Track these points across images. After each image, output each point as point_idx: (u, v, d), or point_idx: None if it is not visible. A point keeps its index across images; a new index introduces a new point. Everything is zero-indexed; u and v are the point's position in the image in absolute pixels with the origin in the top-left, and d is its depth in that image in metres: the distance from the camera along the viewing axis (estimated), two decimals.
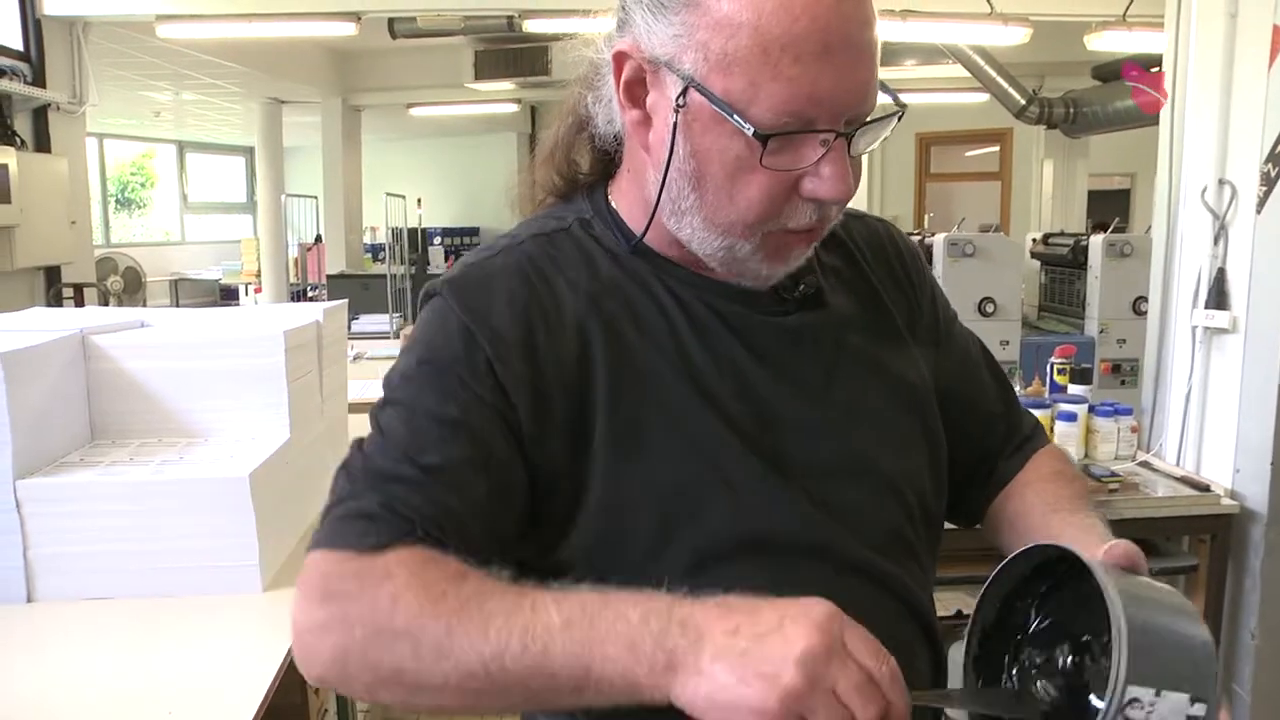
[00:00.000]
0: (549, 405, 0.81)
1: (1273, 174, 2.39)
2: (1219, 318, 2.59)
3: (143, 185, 13.01)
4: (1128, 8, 4.77)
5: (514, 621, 0.69)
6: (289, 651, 1.61)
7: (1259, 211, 2.45)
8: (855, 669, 0.65)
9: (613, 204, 0.92)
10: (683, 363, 0.85)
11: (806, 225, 0.81)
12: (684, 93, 0.77)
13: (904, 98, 0.86)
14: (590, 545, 0.82)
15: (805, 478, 0.85)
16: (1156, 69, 2.92)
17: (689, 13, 0.76)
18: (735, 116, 0.75)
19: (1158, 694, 0.63)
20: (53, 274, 5.11)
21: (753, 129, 0.75)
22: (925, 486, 0.93)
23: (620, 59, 0.82)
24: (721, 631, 0.66)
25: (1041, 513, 0.95)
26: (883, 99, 0.82)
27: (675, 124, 0.79)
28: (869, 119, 0.79)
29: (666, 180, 0.81)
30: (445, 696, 0.71)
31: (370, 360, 4.77)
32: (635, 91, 0.82)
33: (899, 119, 0.82)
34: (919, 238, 5.60)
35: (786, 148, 0.76)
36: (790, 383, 0.87)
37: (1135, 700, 0.63)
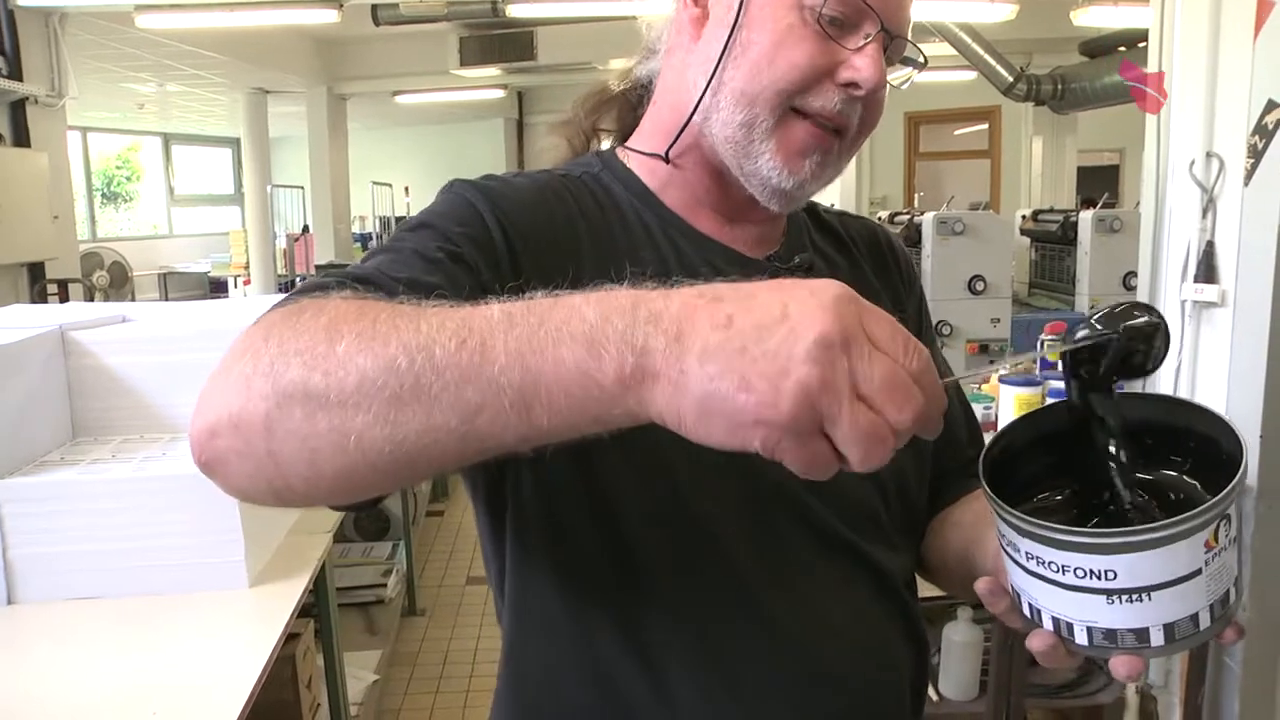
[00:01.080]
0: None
1: (1260, 146, 2.38)
2: (1208, 291, 2.58)
3: (129, 179, 12.93)
4: None
5: (450, 315, 0.57)
6: (277, 645, 1.61)
7: (1246, 184, 2.43)
8: (882, 361, 0.53)
9: (631, 157, 0.95)
10: None
11: (828, 109, 0.83)
12: None
13: (890, 76, 0.89)
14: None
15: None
16: (1144, 44, 2.90)
17: None
18: None
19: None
20: (36, 270, 5.08)
21: None
22: (907, 475, 0.93)
23: None
24: (709, 325, 0.53)
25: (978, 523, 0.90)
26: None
27: (740, 5, 0.84)
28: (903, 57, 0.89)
29: (724, 55, 0.84)
30: (355, 414, 0.56)
31: None
32: None
33: (921, 69, 0.92)
34: (908, 216, 5.58)
35: (837, 29, 0.83)
36: None
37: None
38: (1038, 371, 2.98)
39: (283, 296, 0.68)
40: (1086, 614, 0.63)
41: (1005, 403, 2.72)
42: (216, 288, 11.62)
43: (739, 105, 0.84)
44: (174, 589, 1.71)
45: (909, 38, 0.87)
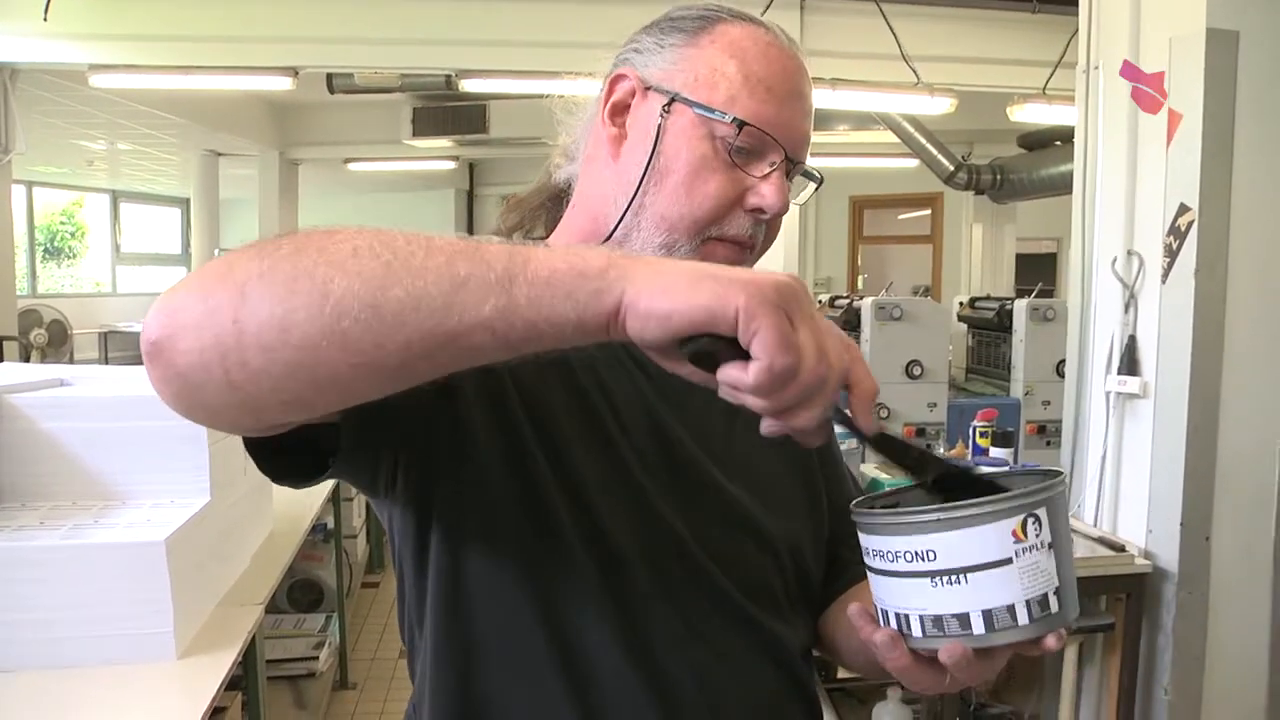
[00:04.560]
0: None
1: (1174, 246, 2.50)
2: (1130, 383, 2.67)
3: (72, 235, 12.77)
4: (1047, 82, 4.96)
5: (435, 236, 0.64)
6: (204, 718, 1.59)
7: (1164, 281, 2.55)
8: (825, 321, 0.64)
9: (565, 231, 1.00)
10: (600, 383, 0.90)
11: (741, 235, 0.91)
12: (670, 103, 0.90)
13: (836, 162, 1.03)
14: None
15: (689, 512, 0.89)
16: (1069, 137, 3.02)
17: (687, 49, 0.92)
18: (717, 112, 0.88)
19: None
20: None
21: (731, 116, 0.88)
22: (804, 550, 0.97)
23: (616, 82, 0.95)
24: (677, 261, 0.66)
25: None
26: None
27: (660, 126, 0.90)
28: (803, 172, 0.97)
29: (643, 179, 0.90)
30: (342, 276, 0.60)
31: None
32: (618, 114, 0.95)
33: (818, 187, 1.00)
34: (848, 300, 5.70)
35: (744, 158, 0.90)
36: (692, 427, 0.93)
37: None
38: (970, 457, 3.05)
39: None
40: (915, 601, 0.71)
41: None
42: None
43: (659, 229, 0.90)
44: (98, 661, 1.68)
45: (806, 162, 0.96)
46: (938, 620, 0.70)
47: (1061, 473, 0.74)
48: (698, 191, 0.89)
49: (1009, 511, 0.68)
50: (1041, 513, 0.69)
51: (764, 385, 0.60)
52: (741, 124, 0.88)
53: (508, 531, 0.83)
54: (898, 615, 0.72)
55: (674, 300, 0.60)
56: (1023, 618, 0.69)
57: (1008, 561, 0.68)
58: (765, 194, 0.90)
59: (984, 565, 0.68)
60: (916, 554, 0.69)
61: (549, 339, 0.62)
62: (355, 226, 0.65)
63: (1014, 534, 0.68)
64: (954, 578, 0.68)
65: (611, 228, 0.92)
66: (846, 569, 1.02)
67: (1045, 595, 0.69)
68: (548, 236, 1.04)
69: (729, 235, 0.91)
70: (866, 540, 0.73)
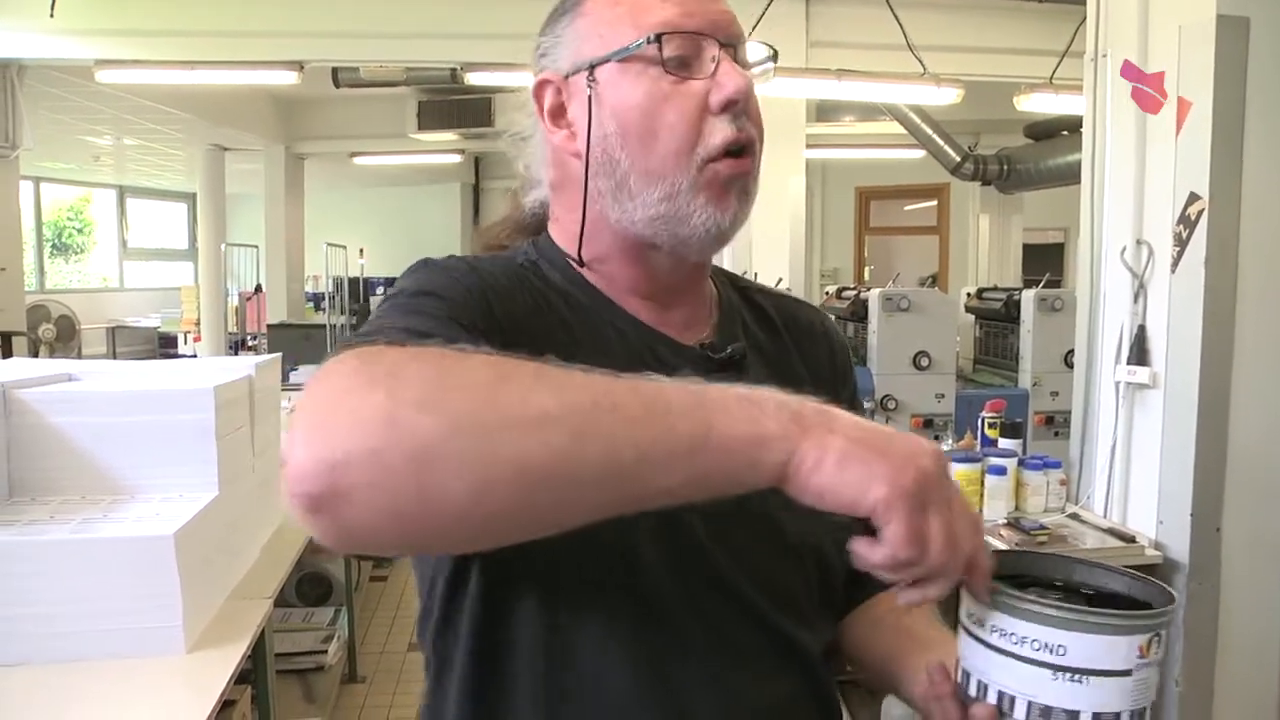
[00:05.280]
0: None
1: (1184, 235, 2.48)
2: (1140, 373, 2.66)
3: (80, 230, 12.81)
4: (1054, 71, 4.94)
5: (621, 378, 0.64)
6: (211, 714, 1.59)
7: (1173, 271, 2.53)
8: (963, 502, 0.68)
9: (554, 240, 0.98)
10: None
11: (729, 139, 0.87)
12: (591, 71, 0.88)
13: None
14: None
15: (714, 517, 0.86)
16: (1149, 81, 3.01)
17: (577, 22, 0.91)
18: (631, 46, 0.86)
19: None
20: None
21: (648, 35, 0.85)
22: (829, 558, 0.94)
23: (541, 88, 0.93)
24: (847, 416, 0.67)
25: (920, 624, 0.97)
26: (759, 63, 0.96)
27: (590, 97, 0.88)
28: (749, 52, 0.92)
29: (605, 149, 0.88)
30: (536, 444, 0.59)
31: None
32: (558, 117, 0.92)
33: (775, 57, 0.95)
34: (855, 292, 5.69)
35: (683, 68, 0.86)
36: None
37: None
38: (978, 448, 3.04)
39: (347, 344, 0.68)
40: (1031, 688, 0.72)
41: None
42: (166, 343, 11.49)
43: (649, 185, 0.88)
44: (107, 655, 1.68)
45: (744, 40, 0.91)
46: (1046, 711, 0.72)
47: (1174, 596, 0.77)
48: (662, 129, 0.86)
49: (1144, 628, 0.71)
50: (1165, 633, 0.72)
51: (886, 567, 0.66)
52: (658, 36, 0.85)
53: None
54: (1001, 693, 0.74)
55: (824, 480, 0.64)
56: None
57: (1128, 673, 0.71)
58: (722, 84, 0.86)
59: (1108, 672, 0.71)
60: (1047, 645, 0.71)
61: (717, 493, 0.65)
62: (513, 362, 0.63)
63: (1140, 649, 0.71)
64: (1077, 677, 0.71)
65: (610, 214, 0.90)
66: (870, 576, 1.01)
67: (1144, 710, 0.72)
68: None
69: (716, 147, 0.87)
70: (991, 616, 0.74)
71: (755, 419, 0.64)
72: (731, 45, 0.88)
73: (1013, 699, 0.73)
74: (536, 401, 0.60)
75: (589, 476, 0.60)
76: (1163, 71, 2.54)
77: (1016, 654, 0.72)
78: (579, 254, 0.94)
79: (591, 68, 0.88)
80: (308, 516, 0.59)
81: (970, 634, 0.76)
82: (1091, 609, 0.71)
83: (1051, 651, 0.71)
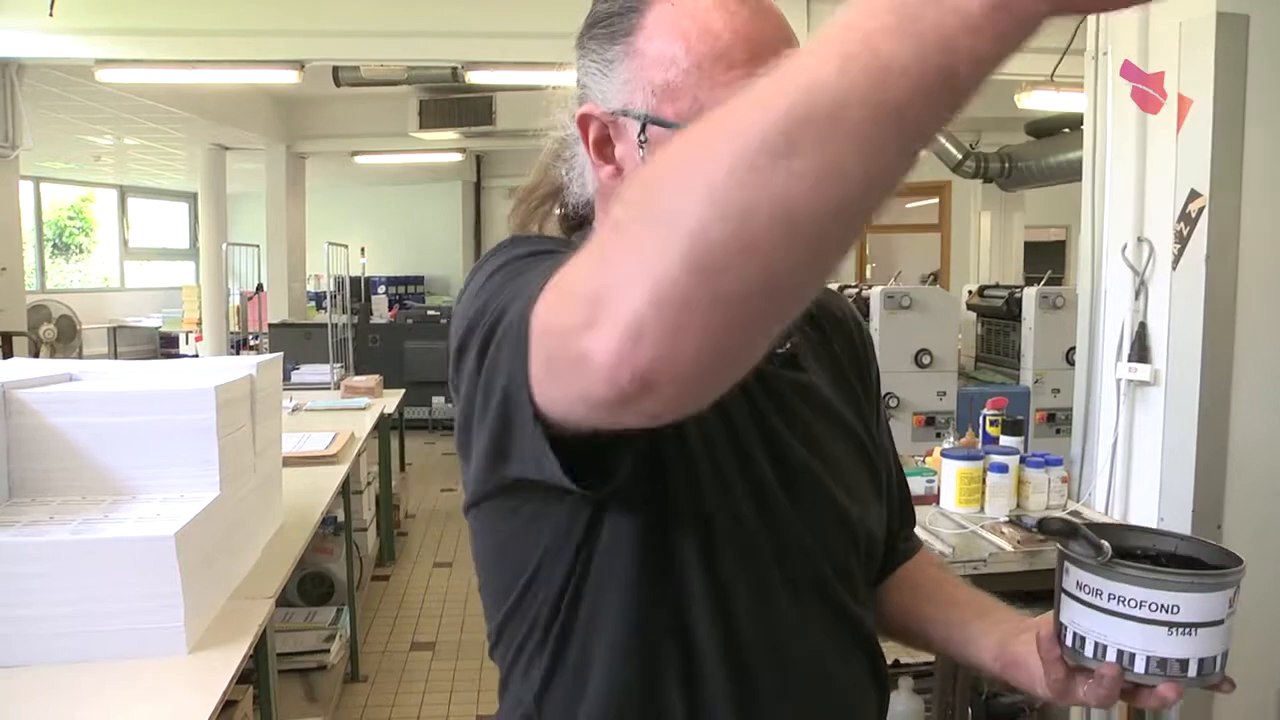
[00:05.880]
0: None
1: (1185, 232, 2.48)
2: (1141, 370, 2.66)
3: (81, 230, 12.81)
4: (1055, 68, 4.92)
5: (801, 58, 0.49)
6: (213, 714, 1.59)
7: (1174, 268, 2.53)
8: None
9: None
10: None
11: None
12: (643, 129, 0.85)
13: None
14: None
15: (794, 510, 0.92)
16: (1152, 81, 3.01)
17: (629, 61, 0.86)
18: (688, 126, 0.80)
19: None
20: None
21: None
22: (875, 534, 1.01)
23: (585, 122, 0.89)
24: None
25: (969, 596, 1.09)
26: None
27: (643, 158, 0.85)
28: None
29: None
30: (821, 150, 0.46)
31: (309, 412, 4.71)
32: (604, 149, 0.89)
33: None
34: (857, 290, 5.69)
35: None
36: (793, 431, 0.95)
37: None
38: (980, 445, 3.04)
39: (532, 296, 0.63)
40: (1149, 644, 0.84)
41: (947, 477, 2.77)
42: (167, 343, 11.50)
43: None
44: (108, 655, 1.68)
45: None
46: (1163, 662, 0.84)
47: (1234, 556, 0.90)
48: None
49: (1232, 583, 0.85)
50: (1241, 584, 0.86)
51: None
52: None
53: (676, 528, 0.86)
54: (1120, 651, 0.85)
55: None
56: (1217, 666, 0.84)
57: (1222, 622, 0.84)
58: None
59: (1211, 623, 0.83)
60: (1162, 606, 0.83)
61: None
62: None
63: (1229, 600, 0.84)
64: (1188, 630, 0.83)
65: None
66: (895, 547, 1.11)
67: (1227, 651, 0.85)
68: (562, 234, 1.03)
69: None
70: (1108, 585, 0.85)
71: None
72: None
73: (1132, 655, 0.84)
74: (781, 104, 0.47)
75: (860, 176, 0.48)
76: (1163, 71, 2.54)
77: (1135, 616, 0.84)
78: None
79: (644, 126, 0.85)
80: (634, 402, 0.53)
81: (1084, 602, 0.86)
82: (1196, 572, 0.85)
83: (1167, 611, 0.83)
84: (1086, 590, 0.86)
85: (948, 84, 0.48)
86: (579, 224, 1.01)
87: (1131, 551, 0.91)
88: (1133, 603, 0.83)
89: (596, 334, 0.52)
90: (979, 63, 0.48)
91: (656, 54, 0.84)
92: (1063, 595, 0.89)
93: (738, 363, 0.55)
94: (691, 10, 0.83)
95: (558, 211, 1.04)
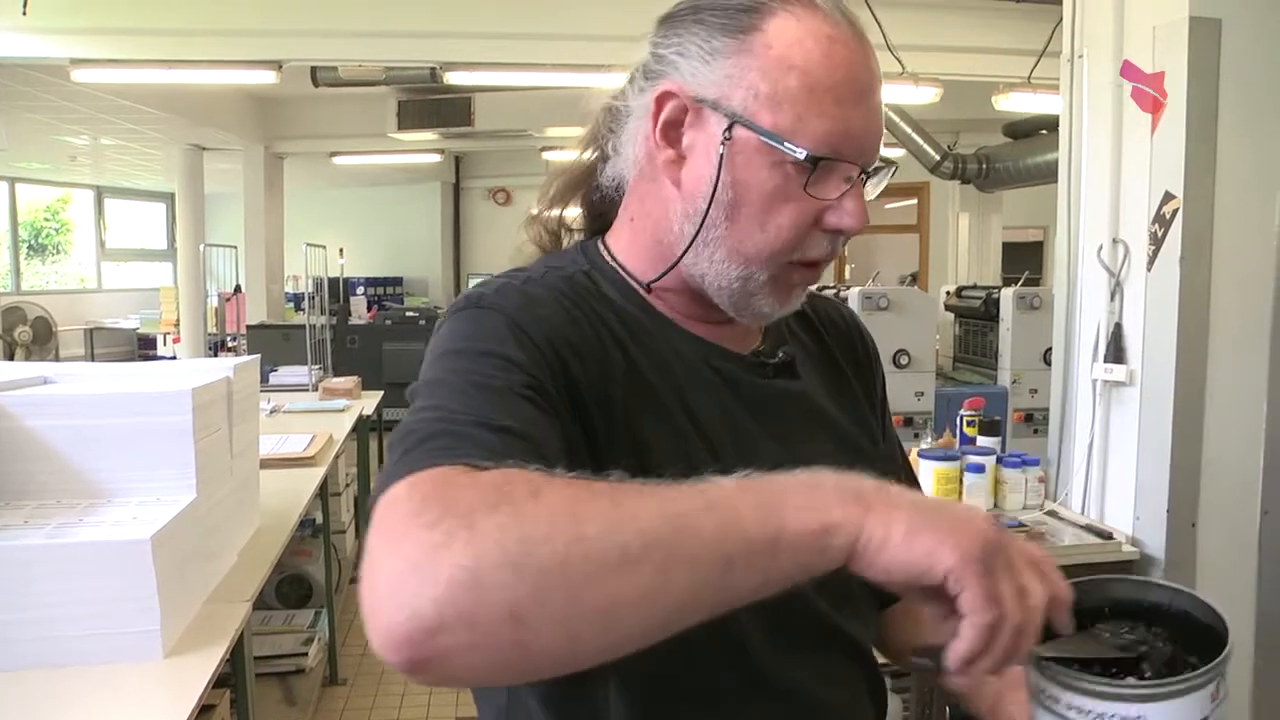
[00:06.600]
0: (582, 403, 0.83)
1: (1159, 234, 2.50)
2: (1117, 371, 2.68)
3: (57, 231, 12.70)
4: (1032, 70, 4.97)
5: (687, 491, 0.64)
6: (191, 716, 1.58)
7: (1149, 269, 2.55)
8: (1025, 550, 0.68)
9: (615, 256, 0.96)
10: (685, 406, 0.89)
11: (819, 256, 0.89)
12: (730, 127, 0.84)
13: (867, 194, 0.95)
14: None
15: None
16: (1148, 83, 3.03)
17: (741, 57, 0.84)
18: (786, 144, 0.82)
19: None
20: None
21: (805, 152, 0.82)
22: None
23: (664, 99, 0.87)
24: (903, 492, 0.67)
25: None
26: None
27: (722, 155, 0.85)
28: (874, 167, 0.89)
29: (710, 211, 0.86)
30: (622, 586, 0.59)
31: (287, 414, 4.68)
32: (671, 132, 0.88)
33: (893, 172, 0.92)
34: (834, 290, 5.71)
35: (818, 180, 0.84)
36: (776, 439, 0.93)
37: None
38: (957, 446, 3.06)
39: (411, 446, 0.69)
40: None
41: (924, 478, 2.78)
42: (145, 345, 11.40)
43: (733, 262, 0.88)
44: (83, 660, 1.66)
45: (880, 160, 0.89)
46: None
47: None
48: (771, 224, 0.86)
49: (1210, 679, 0.73)
50: (1229, 668, 0.74)
51: (976, 646, 0.65)
52: (815, 160, 0.82)
53: None
54: None
55: (892, 556, 0.64)
56: None
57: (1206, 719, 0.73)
58: (845, 215, 0.86)
59: None
60: (1123, 719, 0.73)
61: (789, 583, 0.65)
62: (588, 493, 0.63)
63: (1211, 695, 0.73)
64: None
65: (679, 254, 0.90)
66: None
67: None
68: (587, 221, 1.03)
69: (809, 258, 0.88)
70: (1064, 694, 0.75)
71: (821, 507, 0.64)
72: (869, 167, 0.87)
73: None
74: (618, 541, 0.60)
75: (675, 602, 0.62)
76: (1162, 72, 2.56)
77: None
78: (649, 281, 0.94)
79: (731, 123, 0.84)
80: (406, 673, 0.60)
81: (1046, 709, 0.76)
82: (1160, 681, 0.72)
83: None
84: (1046, 696, 0.75)
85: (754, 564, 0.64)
86: (600, 215, 1.00)
87: (1100, 610, 0.81)
88: (1092, 715, 0.73)
89: (406, 595, 0.58)
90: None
91: (772, 60, 0.83)
92: (1031, 699, 0.79)
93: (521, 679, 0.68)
94: (816, 34, 0.84)
95: (577, 211, 1.04)
